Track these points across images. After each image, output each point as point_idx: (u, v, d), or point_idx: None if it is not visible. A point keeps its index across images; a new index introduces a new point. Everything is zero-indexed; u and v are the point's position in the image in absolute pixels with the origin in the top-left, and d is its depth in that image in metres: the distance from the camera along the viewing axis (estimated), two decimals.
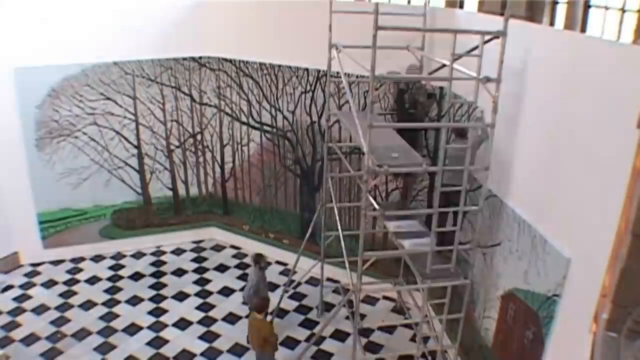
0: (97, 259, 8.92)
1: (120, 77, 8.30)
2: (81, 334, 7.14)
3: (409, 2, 11.75)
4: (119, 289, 8.14)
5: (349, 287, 7.84)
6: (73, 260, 8.84)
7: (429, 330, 6.56)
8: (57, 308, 7.67)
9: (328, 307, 7.71)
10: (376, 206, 5.69)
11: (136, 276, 8.49)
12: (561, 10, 10.04)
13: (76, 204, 8.68)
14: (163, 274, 8.59)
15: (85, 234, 8.88)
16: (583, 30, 9.48)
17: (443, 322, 5.50)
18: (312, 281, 8.19)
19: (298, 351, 6.86)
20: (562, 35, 5.42)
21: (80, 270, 8.62)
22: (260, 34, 7.99)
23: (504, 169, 5.11)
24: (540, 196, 4.54)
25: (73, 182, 8.56)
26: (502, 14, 4.36)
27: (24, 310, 7.60)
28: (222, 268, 8.79)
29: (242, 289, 8.18)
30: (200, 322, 7.46)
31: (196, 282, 8.37)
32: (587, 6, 9.46)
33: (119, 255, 9.04)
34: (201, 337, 7.15)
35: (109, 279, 8.40)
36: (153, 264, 8.86)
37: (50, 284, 8.23)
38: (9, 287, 8.09)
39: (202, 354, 6.84)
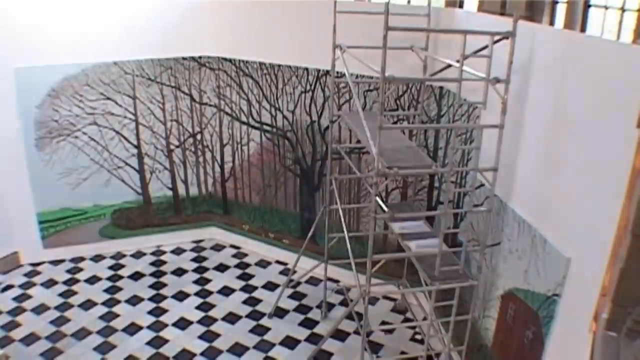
0: (97, 258, 8.93)
1: (120, 77, 8.30)
2: (81, 334, 7.14)
3: (408, 1, 11.74)
4: (119, 289, 8.14)
5: (350, 287, 7.88)
6: (73, 260, 8.84)
7: (435, 332, 6.54)
8: (57, 308, 7.68)
9: (329, 307, 7.71)
10: (385, 209, 5.67)
11: (136, 276, 8.49)
12: (561, 10, 10.03)
13: (76, 203, 8.68)
14: (163, 273, 8.60)
15: (85, 233, 8.87)
16: (583, 30, 9.49)
17: (451, 324, 5.47)
18: (312, 281, 8.20)
19: (304, 352, 6.85)
20: (562, 34, 5.42)
21: (80, 270, 8.62)
22: (260, 33, 7.99)
23: (503, 169, 5.11)
24: (540, 196, 4.55)
25: (73, 182, 8.56)
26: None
27: (23, 310, 7.60)
28: (222, 268, 8.79)
29: (242, 289, 8.21)
30: (200, 321, 7.46)
31: (196, 282, 8.38)
32: (587, 6, 9.47)
33: (119, 255, 9.04)
34: (201, 337, 7.15)
35: (109, 278, 8.41)
36: (153, 263, 8.87)
37: (50, 283, 8.24)
38: (8, 287, 8.10)
39: (202, 354, 6.84)
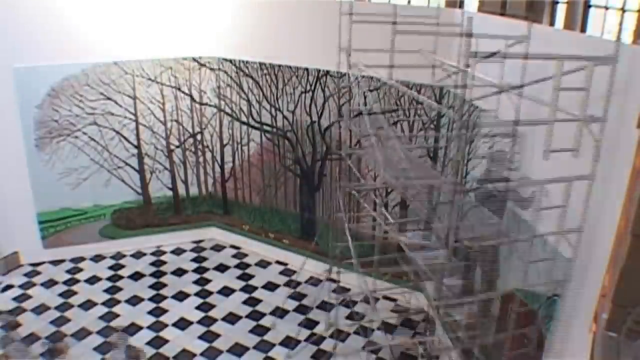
0: (97, 258, 8.92)
1: (120, 77, 8.30)
2: (81, 334, 7.14)
3: (408, 2, 11.74)
4: (119, 289, 8.14)
5: (348, 287, 7.87)
6: (73, 260, 8.83)
7: (437, 339, 6.49)
8: (57, 308, 7.67)
9: (329, 307, 7.70)
10: (391, 220, 5.63)
11: (136, 276, 8.49)
12: (561, 10, 10.03)
13: (76, 203, 8.68)
14: (163, 273, 8.59)
15: (85, 233, 8.87)
16: (583, 30, 9.48)
17: (462, 329, 5.42)
18: (313, 281, 8.20)
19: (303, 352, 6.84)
20: (562, 34, 5.41)
21: (80, 270, 8.61)
22: (260, 34, 7.98)
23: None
24: (540, 196, 4.53)
25: (73, 182, 8.55)
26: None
27: (24, 310, 7.60)
28: (222, 268, 8.79)
29: (242, 289, 8.21)
30: (200, 322, 7.46)
31: (196, 282, 8.37)
32: (587, 6, 9.47)
33: (119, 255, 9.03)
34: (201, 337, 7.15)
35: (109, 278, 8.40)
36: (153, 263, 8.86)
37: (50, 283, 8.23)
38: (8, 287, 8.10)
39: (202, 354, 6.84)
